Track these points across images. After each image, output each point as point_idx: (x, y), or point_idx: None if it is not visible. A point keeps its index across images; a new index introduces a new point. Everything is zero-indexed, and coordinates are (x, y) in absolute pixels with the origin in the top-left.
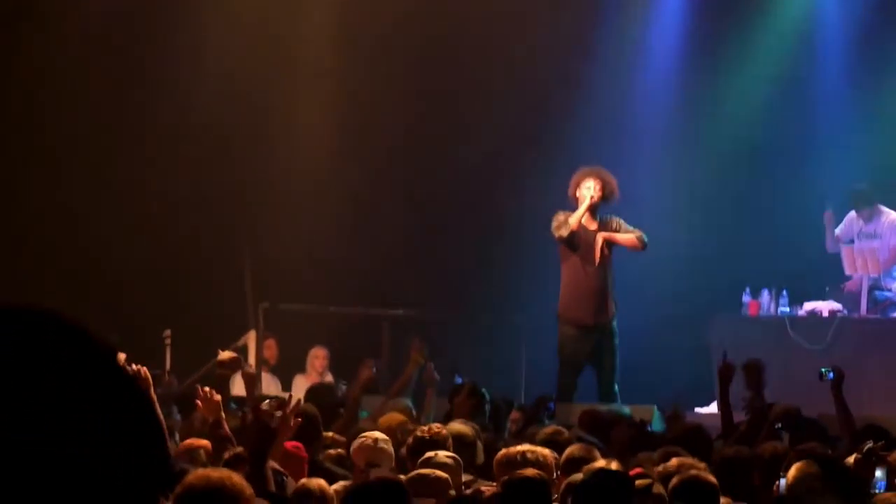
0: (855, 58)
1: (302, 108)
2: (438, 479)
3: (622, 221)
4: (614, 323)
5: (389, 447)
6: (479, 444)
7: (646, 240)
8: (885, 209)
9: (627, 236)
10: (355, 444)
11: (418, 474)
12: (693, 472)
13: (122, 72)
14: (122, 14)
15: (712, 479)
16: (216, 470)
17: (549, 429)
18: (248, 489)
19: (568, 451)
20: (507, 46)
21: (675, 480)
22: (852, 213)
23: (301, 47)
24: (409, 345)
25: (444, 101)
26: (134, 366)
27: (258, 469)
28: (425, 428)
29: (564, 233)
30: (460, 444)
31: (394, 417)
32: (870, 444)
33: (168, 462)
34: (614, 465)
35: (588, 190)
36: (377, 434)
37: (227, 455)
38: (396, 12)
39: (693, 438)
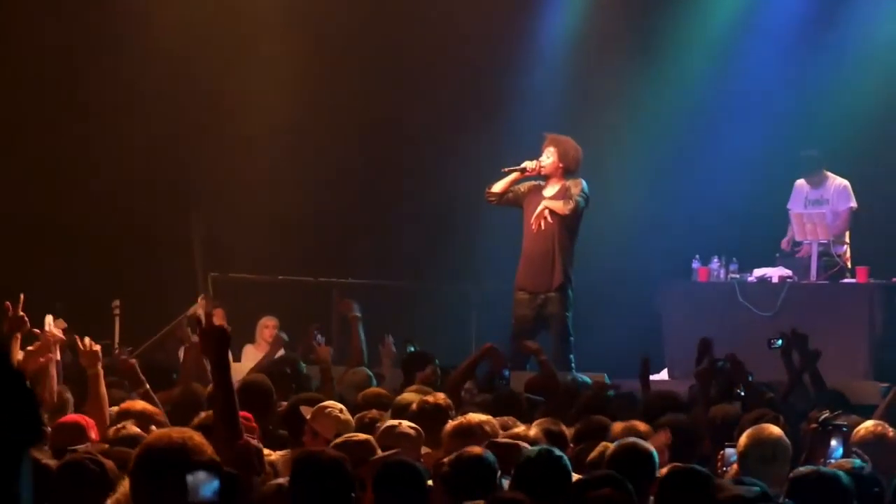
0: (794, 27)
1: (254, 76)
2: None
3: (579, 186)
4: (564, 291)
5: (348, 416)
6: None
7: (572, 207)
8: (831, 175)
9: (556, 203)
10: (320, 413)
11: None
12: (630, 440)
13: (72, 44)
14: None
15: (649, 446)
16: (177, 430)
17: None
18: (210, 449)
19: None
20: (461, 16)
21: (612, 448)
22: (800, 182)
23: (254, 22)
24: (339, 308)
25: (397, 73)
26: (85, 341)
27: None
28: (431, 398)
29: (488, 196)
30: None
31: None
32: (825, 414)
33: (35, 419)
34: (533, 431)
35: (544, 157)
36: (338, 405)
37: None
38: None
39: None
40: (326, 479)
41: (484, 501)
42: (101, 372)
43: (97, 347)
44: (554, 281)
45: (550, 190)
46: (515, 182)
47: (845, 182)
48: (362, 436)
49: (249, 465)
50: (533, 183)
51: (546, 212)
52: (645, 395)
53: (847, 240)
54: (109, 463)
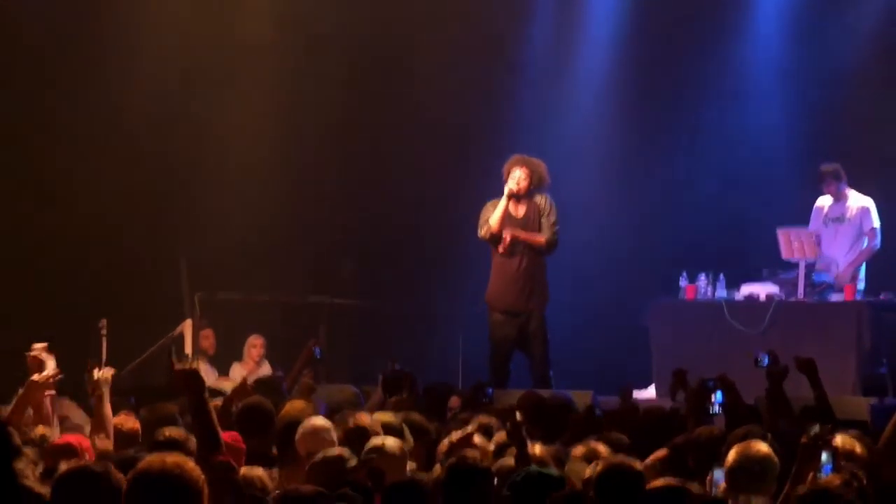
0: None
1: (242, 97)
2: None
3: (550, 204)
4: (543, 309)
5: (332, 435)
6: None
7: (553, 241)
8: (853, 192)
9: (533, 236)
10: (299, 431)
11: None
12: (618, 458)
13: (53, 57)
14: None
15: (636, 465)
16: (171, 455)
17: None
18: (202, 475)
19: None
20: (445, 31)
21: (599, 467)
22: (820, 200)
23: (241, 42)
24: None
25: (386, 95)
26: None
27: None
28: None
29: (485, 234)
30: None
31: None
32: (816, 429)
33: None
34: (538, 449)
35: (513, 181)
36: (320, 421)
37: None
38: None
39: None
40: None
41: None
42: (107, 395)
43: (108, 375)
44: (534, 300)
45: (520, 209)
46: (506, 209)
47: (867, 202)
48: (337, 450)
49: (223, 481)
50: (497, 207)
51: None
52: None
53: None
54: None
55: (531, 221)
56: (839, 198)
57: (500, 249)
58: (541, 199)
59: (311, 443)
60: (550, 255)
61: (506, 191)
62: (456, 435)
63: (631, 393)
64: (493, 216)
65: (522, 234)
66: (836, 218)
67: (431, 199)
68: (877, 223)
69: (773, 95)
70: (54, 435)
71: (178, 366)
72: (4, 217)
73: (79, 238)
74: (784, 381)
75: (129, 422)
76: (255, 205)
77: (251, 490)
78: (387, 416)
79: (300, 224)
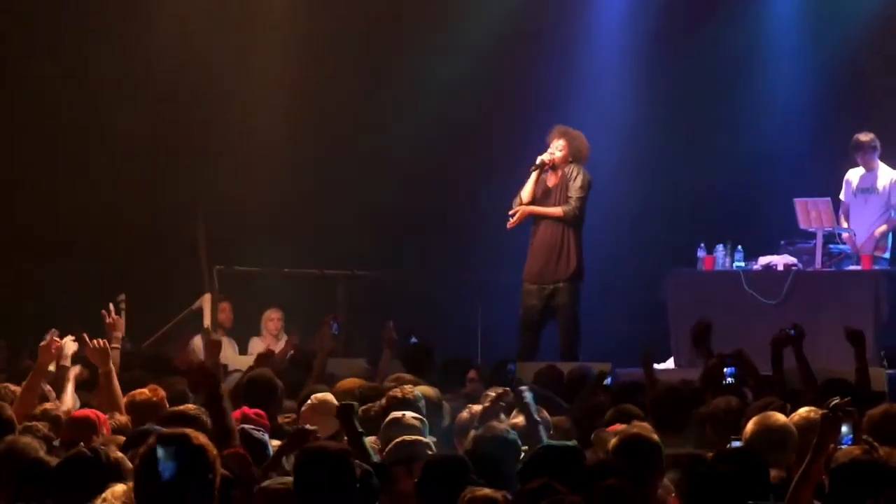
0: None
1: (258, 73)
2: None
3: (579, 175)
4: (574, 282)
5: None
6: (446, 406)
7: (571, 212)
8: (883, 165)
9: (547, 210)
10: (305, 406)
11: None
12: (635, 429)
13: (76, 32)
14: None
15: (654, 437)
16: (181, 431)
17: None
18: (214, 449)
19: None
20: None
21: (615, 440)
22: (851, 172)
23: (257, 20)
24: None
25: (398, 74)
26: (95, 341)
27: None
28: (398, 389)
29: (519, 202)
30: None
31: (352, 381)
32: (836, 400)
33: None
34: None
35: (548, 152)
36: (326, 396)
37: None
38: None
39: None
40: (331, 471)
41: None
42: (113, 369)
43: (105, 345)
44: (562, 272)
45: (551, 179)
46: (537, 180)
47: None
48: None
49: (237, 470)
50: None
51: (557, 199)
52: (651, 389)
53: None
54: (115, 455)
55: (558, 191)
56: (870, 168)
57: (508, 225)
58: (570, 169)
59: (317, 416)
60: (576, 224)
61: (537, 160)
62: (477, 407)
63: (651, 363)
64: (525, 188)
65: (536, 210)
66: (867, 189)
67: (452, 172)
68: None
69: (795, 64)
70: (75, 406)
71: (196, 365)
72: (26, 189)
73: (98, 212)
74: (806, 353)
75: (158, 392)
76: (273, 178)
77: None
78: (429, 391)
79: (319, 196)
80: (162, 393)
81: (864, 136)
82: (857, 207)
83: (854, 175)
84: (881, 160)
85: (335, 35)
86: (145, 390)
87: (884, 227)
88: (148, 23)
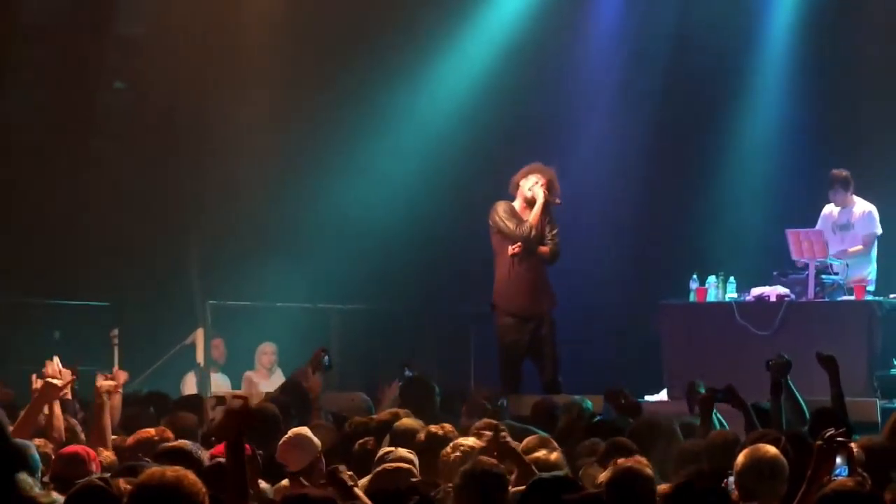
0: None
1: (251, 100)
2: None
3: (553, 221)
4: (550, 312)
5: (315, 442)
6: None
7: (553, 252)
8: (858, 200)
9: (542, 247)
10: (282, 440)
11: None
12: (629, 462)
13: (68, 71)
14: None
15: (648, 471)
16: (171, 469)
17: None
18: (203, 488)
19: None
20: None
21: (608, 473)
22: (827, 207)
23: (251, 40)
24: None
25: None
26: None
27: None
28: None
29: (531, 232)
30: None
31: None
32: (830, 431)
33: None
34: (553, 456)
35: (537, 186)
36: (301, 430)
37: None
38: None
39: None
40: None
41: None
42: (106, 403)
43: (110, 384)
44: (546, 304)
45: (526, 213)
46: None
47: (871, 207)
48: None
49: None
50: (534, 209)
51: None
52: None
53: (872, 261)
54: (125, 487)
55: (542, 226)
56: (846, 205)
57: (511, 251)
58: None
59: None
60: (552, 265)
61: (540, 197)
62: (467, 440)
63: (618, 396)
64: (532, 215)
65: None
66: (843, 225)
67: (442, 200)
68: (878, 230)
69: (784, 96)
70: (76, 438)
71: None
72: (20, 219)
73: (92, 245)
74: (797, 382)
75: (166, 434)
76: (265, 211)
77: None
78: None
79: (311, 230)
80: (169, 434)
81: (839, 173)
82: (835, 244)
83: (832, 209)
84: (857, 194)
85: (333, 58)
86: (152, 430)
87: (859, 247)
88: (144, 48)
